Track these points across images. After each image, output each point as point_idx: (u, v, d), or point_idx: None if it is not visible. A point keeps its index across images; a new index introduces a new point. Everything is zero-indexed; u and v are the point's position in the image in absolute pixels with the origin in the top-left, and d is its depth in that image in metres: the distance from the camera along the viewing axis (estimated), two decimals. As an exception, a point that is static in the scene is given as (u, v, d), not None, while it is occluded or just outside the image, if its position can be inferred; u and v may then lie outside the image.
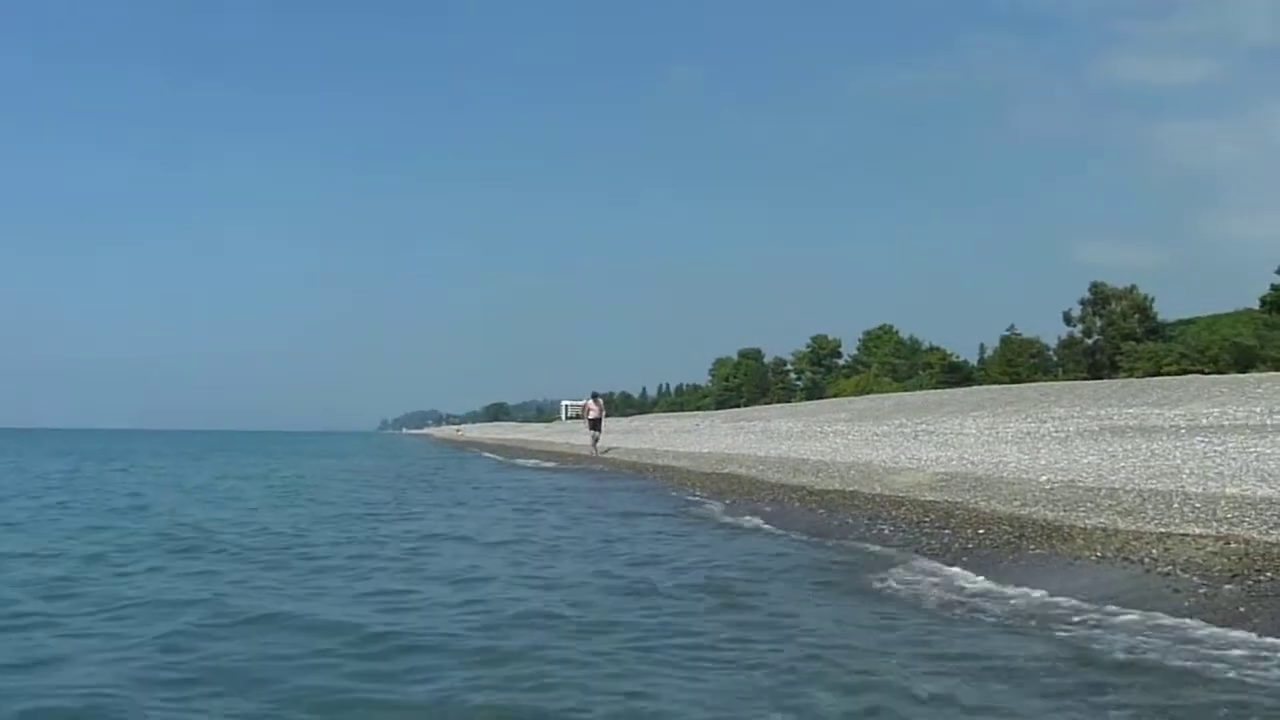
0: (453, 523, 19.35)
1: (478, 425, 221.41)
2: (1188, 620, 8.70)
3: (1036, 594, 10.21)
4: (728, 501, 21.17)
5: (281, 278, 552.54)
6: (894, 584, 11.17)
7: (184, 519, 19.42)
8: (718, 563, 13.15)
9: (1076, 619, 9.16)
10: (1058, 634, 8.68)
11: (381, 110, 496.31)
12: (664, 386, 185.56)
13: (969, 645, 8.42)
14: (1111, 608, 9.34)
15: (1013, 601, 10.05)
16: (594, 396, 48.30)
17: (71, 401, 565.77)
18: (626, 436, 54.69)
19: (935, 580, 11.26)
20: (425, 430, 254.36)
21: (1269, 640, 7.99)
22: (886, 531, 14.89)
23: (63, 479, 33.45)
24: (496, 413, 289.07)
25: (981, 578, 11.21)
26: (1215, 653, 7.79)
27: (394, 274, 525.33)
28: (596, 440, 45.86)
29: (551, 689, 7.23)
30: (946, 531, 14.06)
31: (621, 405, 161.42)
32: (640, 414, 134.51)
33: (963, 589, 10.75)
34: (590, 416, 47.39)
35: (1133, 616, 8.97)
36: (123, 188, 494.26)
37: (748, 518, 18.17)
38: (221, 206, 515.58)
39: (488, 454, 63.83)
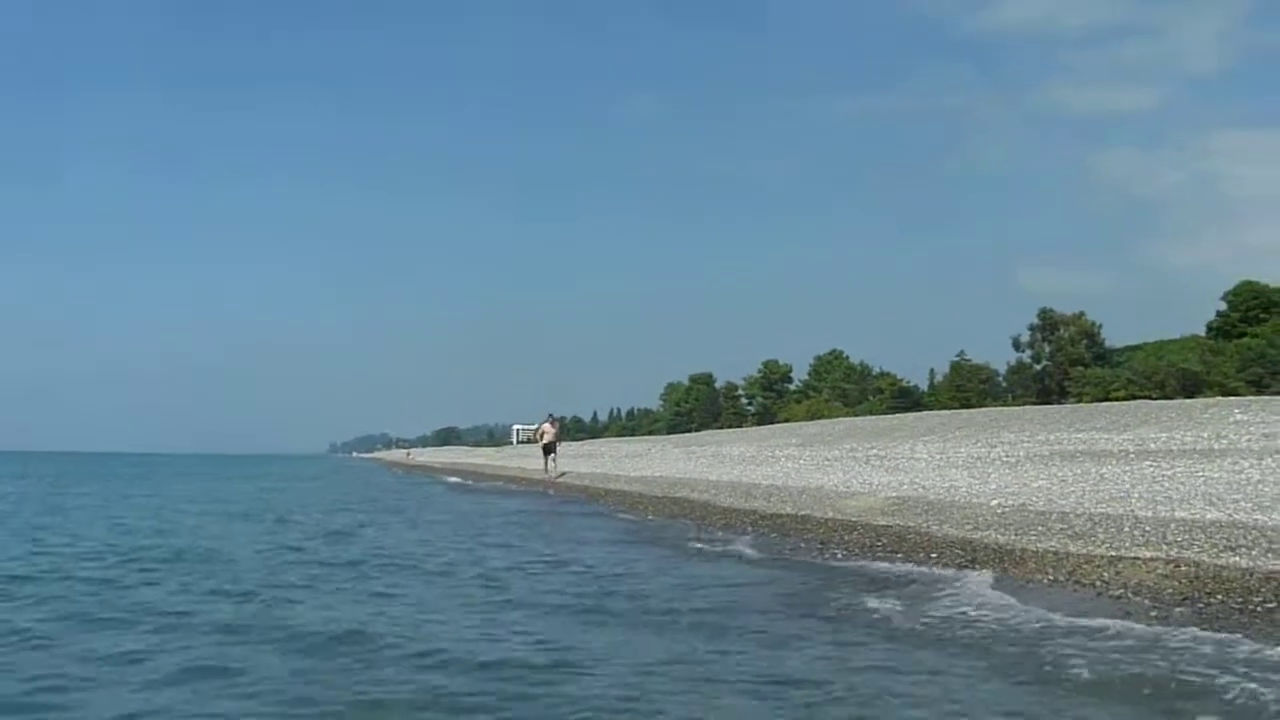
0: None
1: (429, 449, 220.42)
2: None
3: (995, 615, 10.19)
4: (690, 525, 21.13)
5: (225, 296, 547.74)
6: (854, 606, 11.14)
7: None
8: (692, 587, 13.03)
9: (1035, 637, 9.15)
10: (1017, 650, 8.66)
11: (331, 126, 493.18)
12: (615, 411, 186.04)
13: (938, 663, 8.40)
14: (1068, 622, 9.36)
15: (976, 621, 9.99)
16: (550, 419, 46.58)
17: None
18: (578, 461, 54.46)
19: (895, 604, 11.23)
20: (375, 454, 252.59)
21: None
22: (840, 555, 14.90)
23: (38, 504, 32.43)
24: (447, 437, 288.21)
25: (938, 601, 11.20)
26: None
27: (343, 295, 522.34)
28: (552, 464, 44.20)
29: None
30: (899, 555, 14.09)
31: (573, 429, 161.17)
32: (592, 438, 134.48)
33: (923, 611, 10.69)
34: (544, 440, 45.60)
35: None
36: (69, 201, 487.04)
37: (705, 544, 18.11)
38: (155, 220, 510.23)
39: (448, 478, 63.34)
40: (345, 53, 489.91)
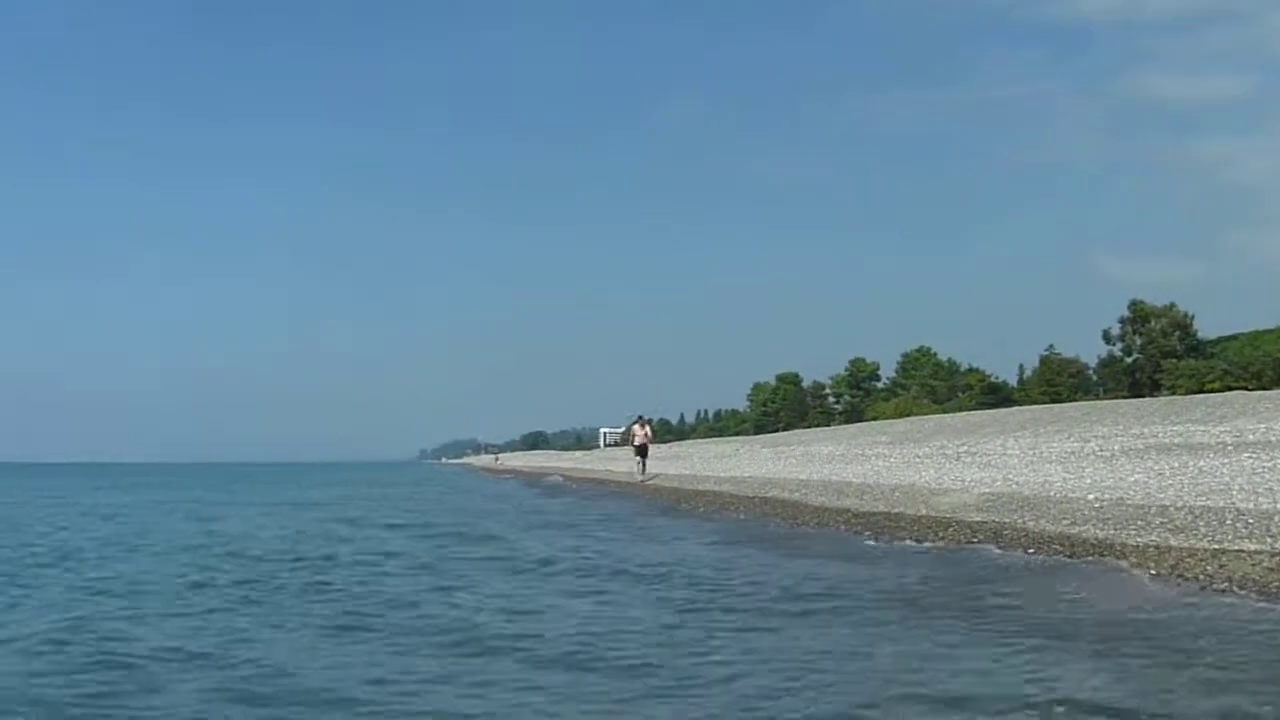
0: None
1: (517, 454, 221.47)
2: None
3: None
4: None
5: (312, 306, 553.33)
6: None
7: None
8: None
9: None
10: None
11: (393, 139, 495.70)
12: (702, 412, 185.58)
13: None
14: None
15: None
16: (640, 421, 44.65)
17: (85, 434, 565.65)
18: (666, 463, 54.45)
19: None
20: (465, 459, 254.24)
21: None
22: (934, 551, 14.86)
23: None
24: (535, 441, 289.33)
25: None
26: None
27: (427, 302, 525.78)
28: (644, 467, 42.67)
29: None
30: (996, 550, 14.02)
31: (660, 431, 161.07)
32: (679, 440, 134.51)
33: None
34: (636, 443, 43.61)
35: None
36: (124, 213, 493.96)
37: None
38: (247, 232, 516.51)
39: (553, 479, 63.51)
40: (380, 62, 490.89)
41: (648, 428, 44.71)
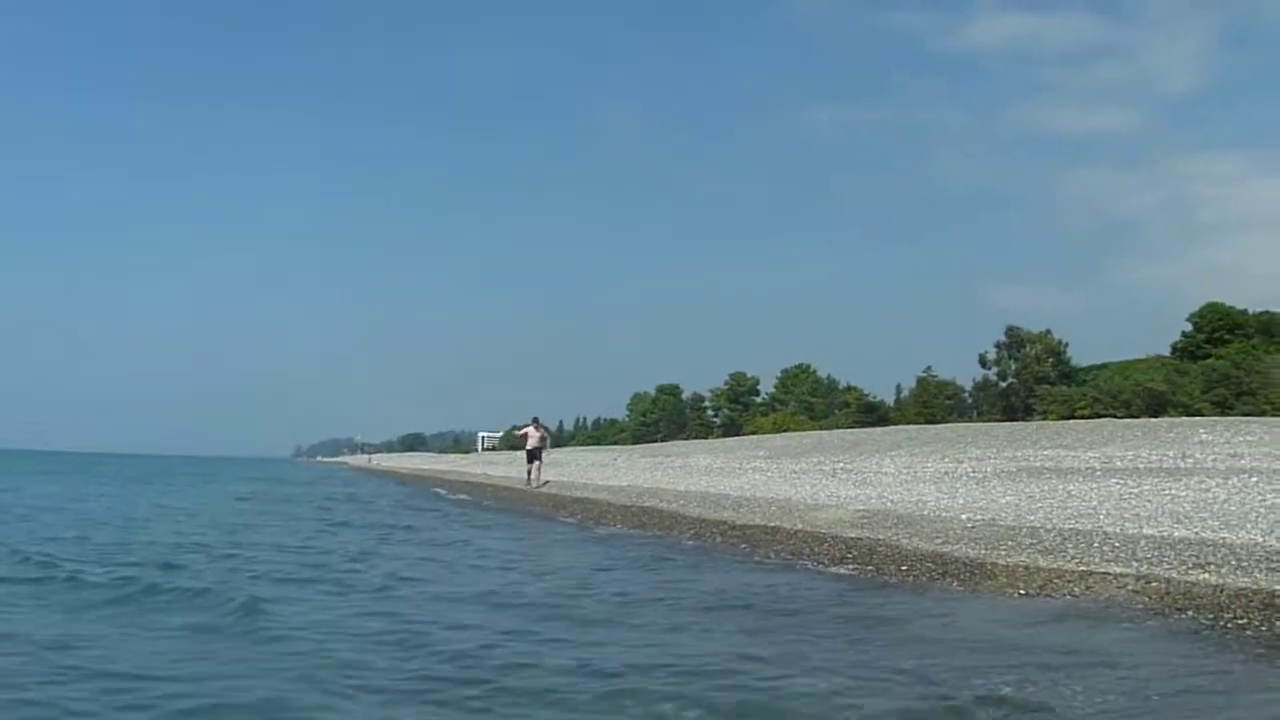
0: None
1: (394, 455, 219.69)
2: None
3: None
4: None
5: (182, 297, 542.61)
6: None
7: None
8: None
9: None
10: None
11: (333, 132, 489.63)
12: (581, 420, 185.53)
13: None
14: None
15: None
16: (535, 422, 41.51)
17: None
18: (545, 469, 54.41)
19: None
20: (341, 458, 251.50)
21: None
22: (810, 566, 14.94)
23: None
24: (413, 442, 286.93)
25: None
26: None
27: (306, 298, 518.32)
28: (536, 472, 40.46)
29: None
30: (870, 567, 14.14)
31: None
32: (557, 447, 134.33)
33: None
34: (529, 446, 40.80)
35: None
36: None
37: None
38: (122, 222, 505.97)
39: (439, 490, 62.87)
40: (336, 59, 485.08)
41: (541, 428, 42.02)
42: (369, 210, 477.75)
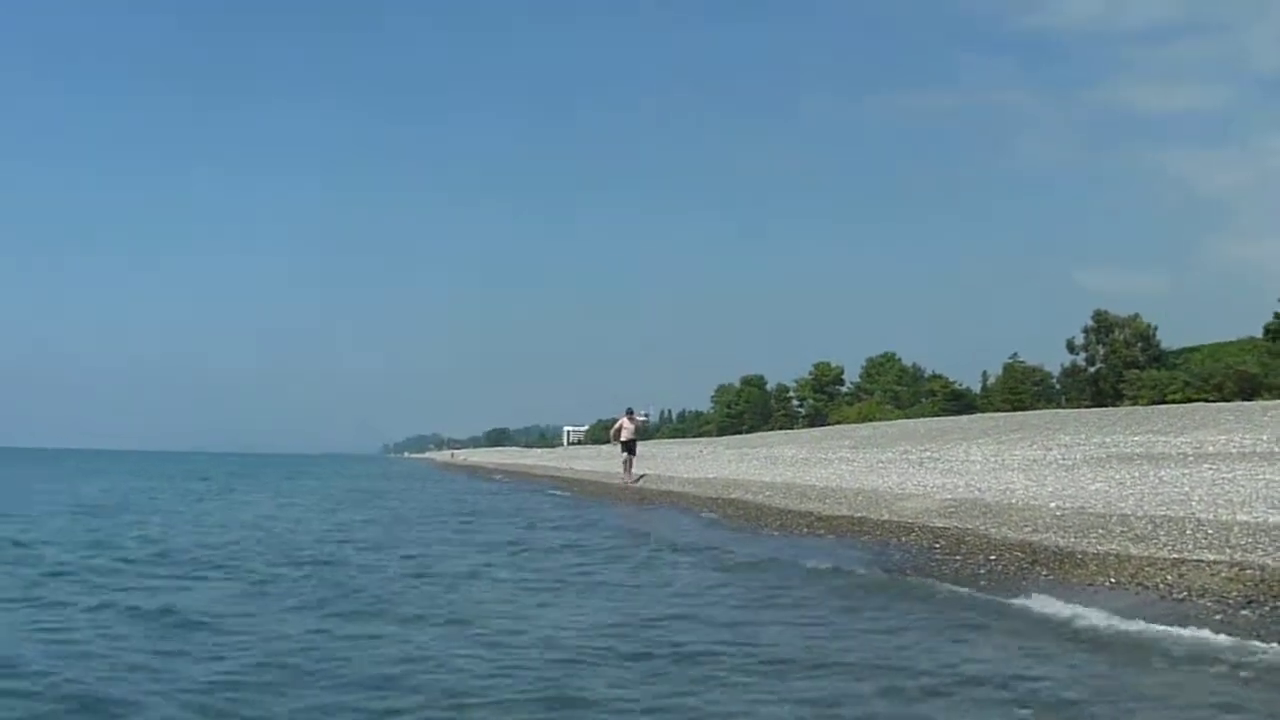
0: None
1: (480, 450, 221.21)
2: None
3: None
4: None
5: (281, 297, 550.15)
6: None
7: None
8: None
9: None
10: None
11: (376, 130, 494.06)
12: (666, 413, 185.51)
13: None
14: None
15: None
16: (629, 413, 38.74)
17: (51, 418, 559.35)
18: (636, 463, 54.60)
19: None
20: (427, 454, 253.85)
21: None
22: (898, 558, 14.89)
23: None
24: (499, 437, 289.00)
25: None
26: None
27: (394, 297, 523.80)
28: (630, 466, 37.98)
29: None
30: (958, 558, 14.07)
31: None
32: (644, 440, 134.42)
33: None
34: (624, 438, 38.10)
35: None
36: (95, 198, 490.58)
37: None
38: (218, 222, 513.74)
39: (551, 488, 62.59)
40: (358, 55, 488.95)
41: (636, 419, 39.84)
42: (454, 210, 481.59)
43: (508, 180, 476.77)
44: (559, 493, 41.71)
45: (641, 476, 37.98)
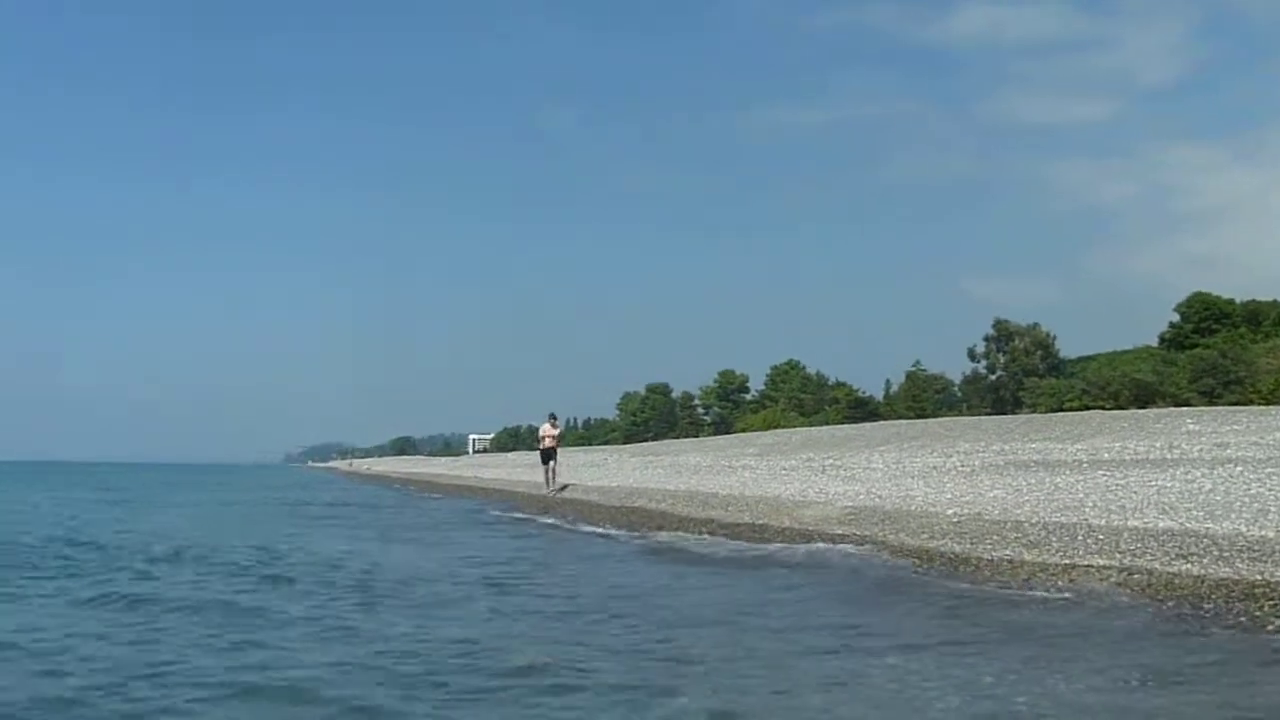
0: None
1: (385, 459, 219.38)
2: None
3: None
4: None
5: (177, 306, 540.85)
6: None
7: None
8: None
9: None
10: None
11: (323, 133, 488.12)
12: (571, 420, 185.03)
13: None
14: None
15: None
16: (552, 419, 36.62)
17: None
18: (536, 470, 54.37)
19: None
20: (331, 463, 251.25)
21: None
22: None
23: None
24: (403, 446, 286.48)
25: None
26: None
27: (293, 302, 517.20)
28: (553, 476, 35.96)
29: None
30: (853, 562, 14.17)
31: (527, 438, 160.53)
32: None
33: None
34: (544, 445, 35.99)
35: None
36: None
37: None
38: (107, 232, 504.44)
39: (433, 495, 62.27)
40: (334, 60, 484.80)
41: (558, 425, 37.39)
42: (355, 213, 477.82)
43: (402, 187, 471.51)
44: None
45: (565, 486, 36.36)
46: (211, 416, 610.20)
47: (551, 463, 35.88)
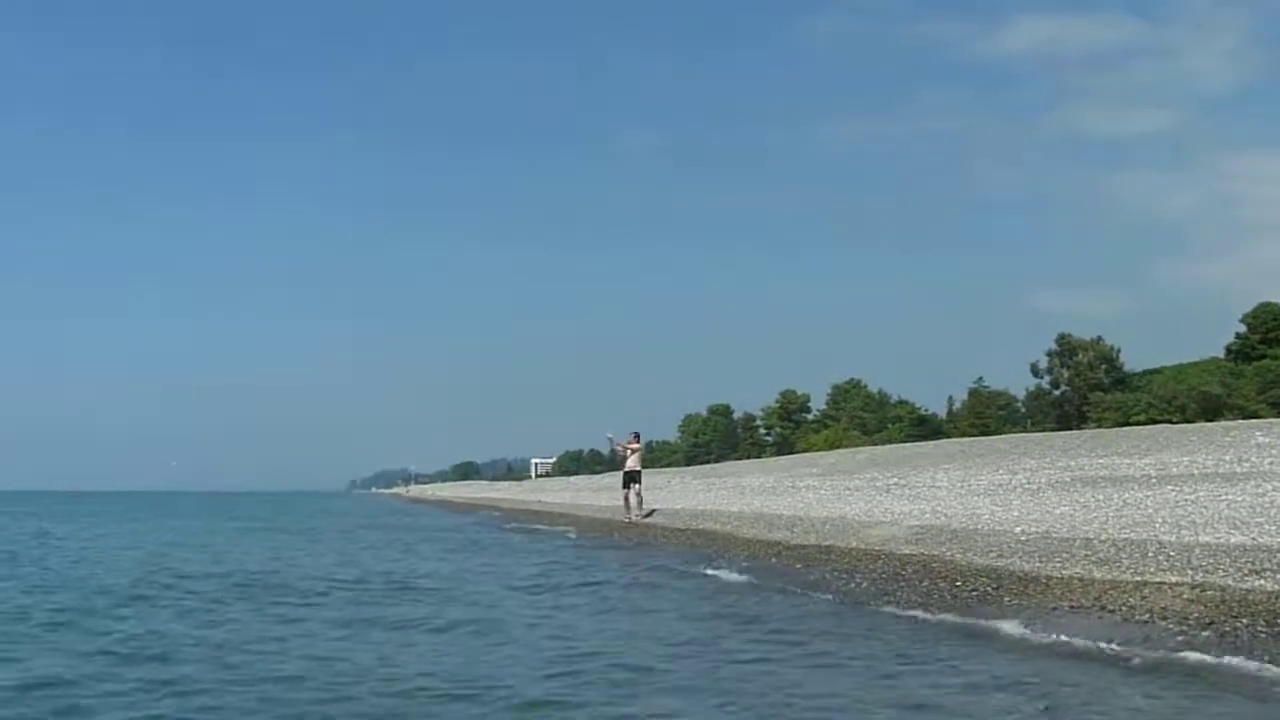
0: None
1: (448, 484, 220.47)
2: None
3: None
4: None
5: (242, 334, 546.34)
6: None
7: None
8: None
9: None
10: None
11: (333, 161, 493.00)
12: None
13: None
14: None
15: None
16: (635, 437, 31.89)
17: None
18: (600, 494, 54.46)
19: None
20: (395, 489, 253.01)
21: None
22: (864, 585, 14.97)
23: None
24: (466, 471, 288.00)
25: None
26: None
27: (360, 333, 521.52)
28: (637, 500, 32.29)
29: None
30: (925, 583, 14.15)
31: (590, 462, 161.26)
32: (611, 470, 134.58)
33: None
34: (627, 468, 31.94)
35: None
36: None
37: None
38: (164, 263, 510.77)
39: (515, 527, 62.71)
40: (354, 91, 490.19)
41: (639, 443, 32.40)
42: (418, 241, 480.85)
43: (462, 216, 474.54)
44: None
45: (653, 511, 32.86)
46: (274, 444, 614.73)
47: (636, 485, 32.13)
